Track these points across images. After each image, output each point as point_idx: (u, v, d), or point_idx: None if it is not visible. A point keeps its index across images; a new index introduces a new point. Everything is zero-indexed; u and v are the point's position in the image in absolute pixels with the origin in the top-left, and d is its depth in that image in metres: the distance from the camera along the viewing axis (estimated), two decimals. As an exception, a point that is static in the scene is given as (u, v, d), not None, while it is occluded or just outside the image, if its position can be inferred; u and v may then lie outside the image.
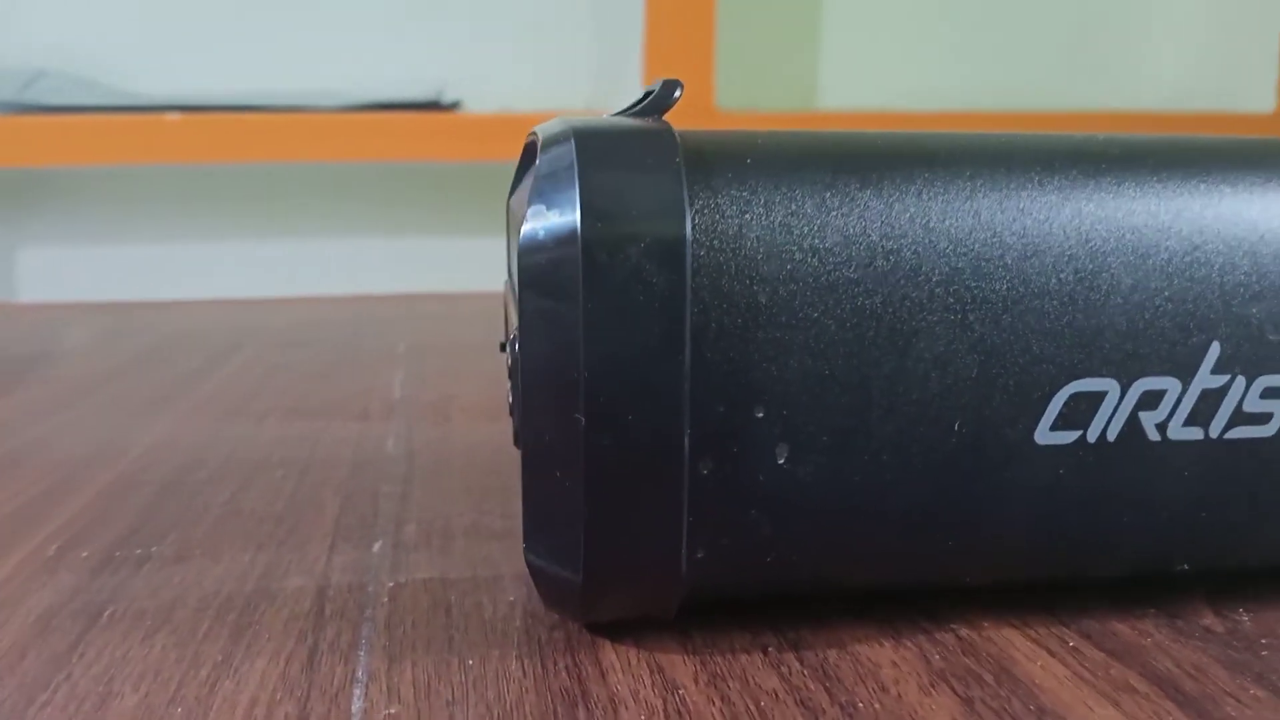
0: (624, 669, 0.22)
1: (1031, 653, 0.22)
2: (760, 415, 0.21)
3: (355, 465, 0.34)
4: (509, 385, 0.28)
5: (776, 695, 0.21)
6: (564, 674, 0.21)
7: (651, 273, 0.20)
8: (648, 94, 0.24)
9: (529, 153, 0.27)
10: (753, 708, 0.20)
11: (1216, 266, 0.22)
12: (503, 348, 0.27)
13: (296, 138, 1.16)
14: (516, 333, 0.21)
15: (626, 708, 0.20)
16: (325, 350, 0.51)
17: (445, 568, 0.26)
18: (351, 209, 1.32)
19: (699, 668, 0.22)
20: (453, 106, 1.25)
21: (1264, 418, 0.22)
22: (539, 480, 0.21)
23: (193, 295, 0.67)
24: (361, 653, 0.22)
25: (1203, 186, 0.22)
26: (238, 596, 0.25)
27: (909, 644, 0.23)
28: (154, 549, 0.28)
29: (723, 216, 0.20)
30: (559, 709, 0.20)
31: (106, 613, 0.24)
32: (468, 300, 0.65)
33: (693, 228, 0.20)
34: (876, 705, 0.20)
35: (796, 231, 0.20)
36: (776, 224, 0.20)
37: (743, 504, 0.21)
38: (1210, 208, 0.22)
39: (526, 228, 0.20)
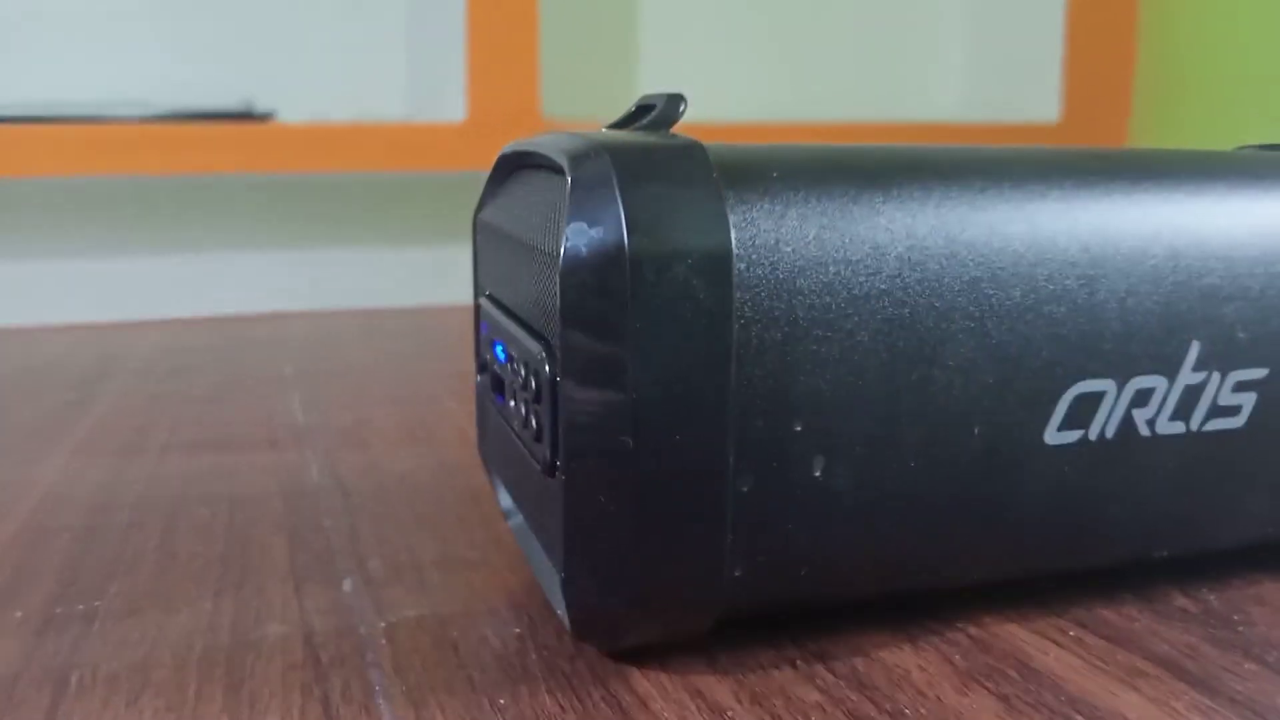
0: (663, 696, 0.21)
1: (1040, 645, 0.23)
2: (799, 429, 0.21)
3: (286, 498, 0.32)
4: (482, 408, 0.27)
5: (823, 708, 0.21)
6: (604, 706, 0.21)
7: (698, 289, 0.19)
8: (641, 108, 0.24)
9: (503, 167, 0.26)
10: (812, 723, 0.20)
11: (1195, 271, 0.23)
12: (483, 369, 0.26)
13: (100, 150, 1.08)
14: (548, 354, 0.20)
15: (683, 735, 0.20)
16: (203, 376, 0.47)
17: (432, 603, 0.25)
18: (175, 225, 1.24)
19: (736, 688, 0.21)
20: (266, 117, 1.20)
21: (1235, 410, 0.24)
22: (582, 507, 0.20)
23: (26, 321, 0.61)
24: (381, 701, 0.21)
25: (1178, 196, 0.23)
26: (216, 650, 0.23)
27: (925, 646, 0.23)
28: (97, 603, 0.25)
29: (760, 231, 0.20)
30: (613, 743, 0.20)
31: (73, 678, 0.22)
32: (334, 319, 0.63)
33: (735, 242, 0.20)
34: (922, 710, 0.21)
35: (830, 244, 0.21)
36: (811, 237, 0.20)
37: (780, 519, 0.21)
38: (1187, 215, 0.23)
39: (569, 245, 0.19)
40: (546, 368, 0.20)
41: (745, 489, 0.21)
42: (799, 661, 0.22)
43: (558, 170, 0.21)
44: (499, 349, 0.25)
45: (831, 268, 0.21)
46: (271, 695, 0.21)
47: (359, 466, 0.35)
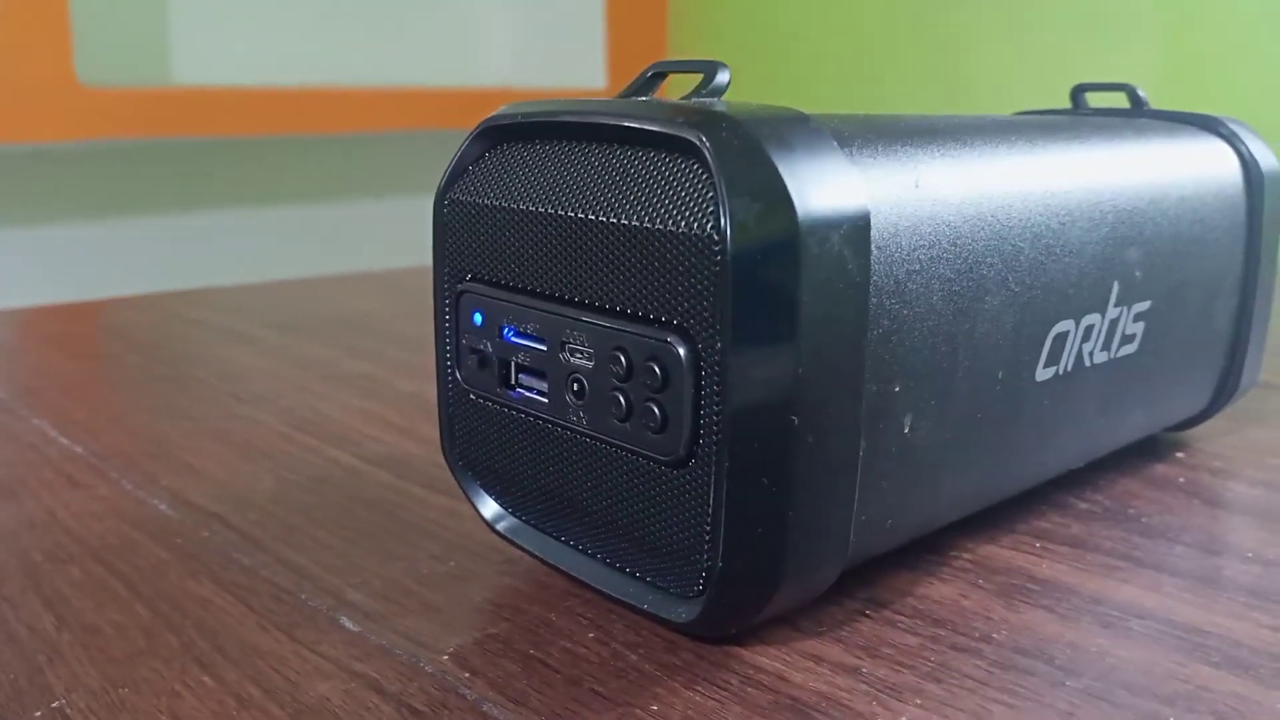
0: (793, 666, 0.21)
1: (1026, 560, 0.26)
2: (897, 390, 0.22)
3: (159, 540, 0.27)
4: (461, 407, 0.24)
5: (929, 647, 0.22)
6: (752, 689, 0.20)
7: (848, 259, 0.19)
8: (656, 75, 0.23)
9: (487, 139, 0.24)
10: (931, 662, 0.21)
11: (1115, 221, 0.27)
12: (483, 363, 0.24)
13: None
14: (683, 339, 0.19)
15: (851, 695, 0.20)
16: None
17: (466, 625, 0.23)
18: None
19: (842, 646, 0.22)
20: None
21: (1133, 338, 0.28)
22: (743, 490, 0.19)
23: None
24: (534, 735, 0.19)
25: (1099, 155, 0.27)
26: (281, 724, 0.19)
27: (948, 577, 0.25)
28: (57, 704, 0.20)
29: (869, 198, 0.21)
30: (795, 721, 0.19)
31: (142, 798, 0.17)
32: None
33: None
34: (1003, 631, 0.23)
35: (910, 208, 0.21)
36: (898, 201, 0.21)
37: (878, 477, 0.22)
38: (1110, 172, 0.27)
39: (737, 222, 0.18)
40: (681, 352, 0.19)
41: (861, 452, 0.21)
42: (867, 611, 0.24)
43: (657, 143, 0.20)
44: (526, 339, 0.23)
45: (915, 232, 0.21)
46: (405, 758, 0.18)
47: (209, 492, 0.30)
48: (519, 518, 0.25)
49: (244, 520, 0.28)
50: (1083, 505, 0.30)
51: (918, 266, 0.21)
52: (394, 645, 0.22)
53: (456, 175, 0.24)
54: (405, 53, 1.61)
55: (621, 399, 0.21)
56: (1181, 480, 0.32)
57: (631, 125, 0.20)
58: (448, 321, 0.25)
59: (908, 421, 0.22)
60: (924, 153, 0.22)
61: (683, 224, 0.19)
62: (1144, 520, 0.29)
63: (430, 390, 0.40)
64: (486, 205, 0.23)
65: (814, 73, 1.42)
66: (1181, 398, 0.32)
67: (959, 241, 0.22)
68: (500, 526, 0.25)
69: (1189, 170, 0.30)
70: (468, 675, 0.21)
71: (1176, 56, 1.07)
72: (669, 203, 0.19)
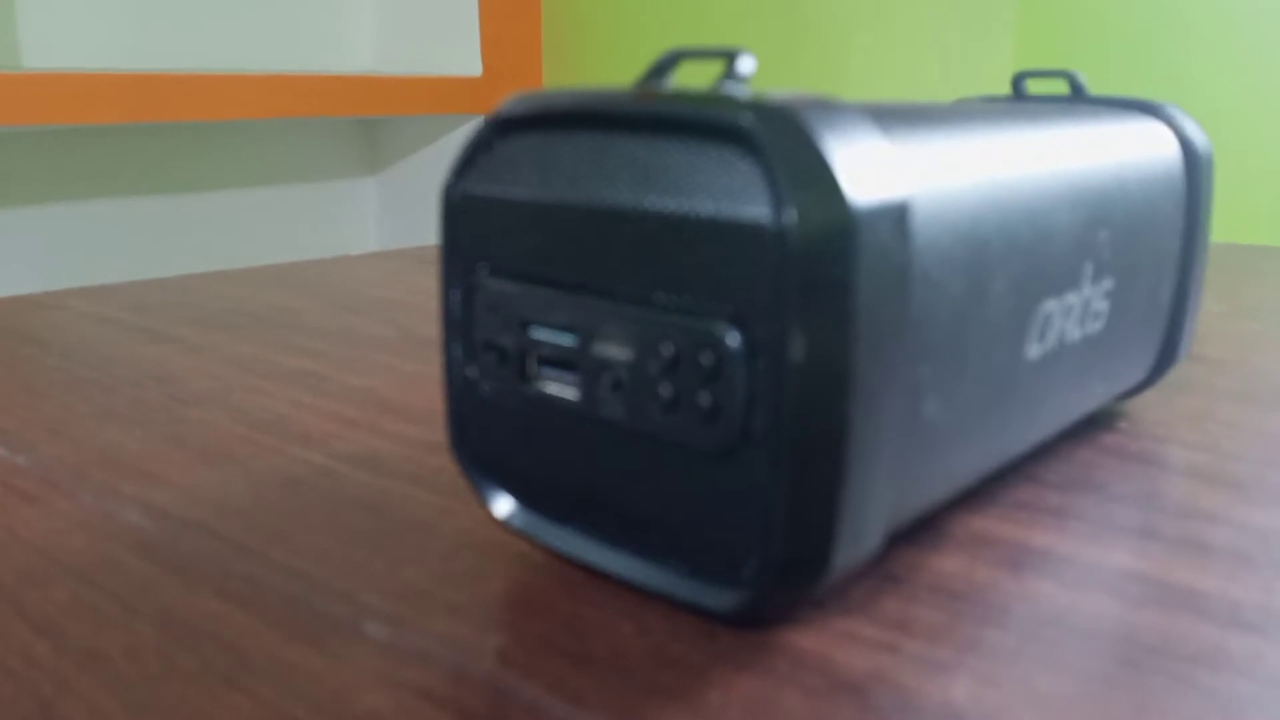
0: (833, 648, 0.21)
1: (1018, 531, 0.27)
2: (924, 372, 0.22)
3: (146, 555, 0.25)
4: (470, 403, 0.24)
5: (954, 621, 0.23)
6: (802, 672, 0.21)
7: (894, 246, 0.20)
8: (668, 61, 0.23)
9: (498, 132, 0.23)
10: (965, 637, 0.22)
11: (1089, 202, 0.28)
12: (502, 358, 0.23)
13: None
14: (738, 326, 0.19)
15: (899, 672, 0.20)
16: None
17: (499, 624, 0.22)
18: None
19: (875, 624, 0.22)
20: None
21: (1100, 315, 0.30)
22: (797, 478, 0.19)
23: None
24: (606, 733, 0.19)
25: (1071, 137, 0.28)
26: (340, 740, 0.18)
27: (947, 552, 0.26)
28: (88, 735, 0.18)
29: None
30: (852, 701, 0.20)
31: (218, 828, 0.16)
32: None
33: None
34: (1020, 602, 0.23)
35: (933, 193, 0.22)
36: (923, 186, 0.22)
37: (905, 459, 0.22)
38: (1081, 155, 0.28)
39: (797, 208, 0.18)
40: (734, 341, 0.19)
41: (898, 435, 0.21)
42: (886, 588, 0.24)
43: (699, 130, 0.20)
44: (553, 331, 0.22)
45: (941, 217, 0.22)
46: (481, 766, 0.18)
47: (180, 500, 0.28)
48: (537, 513, 0.24)
49: (228, 528, 0.27)
50: (1051, 476, 0.31)
51: (943, 252, 0.22)
52: (431, 650, 0.21)
53: (467, 166, 0.23)
54: (268, 38, 1.56)
55: (666, 390, 0.21)
56: (1133, 449, 0.33)
57: (672, 113, 0.20)
58: (459, 315, 0.24)
59: (930, 403, 0.22)
60: (939, 137, 0.23)
61: (736, 211, 0.19)
62: (1113, 488, 0.30)
63: (383, 385, 0.39)
64: (504, 197, 0.23)
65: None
66: (1130, 370, 0.33)
67: (975, 227, 0.23)
68: (517, 523, 0.25)
69: (1141, 152, 0.31)
70: (519, 676, 0.20)
71: (1030, 47, 1.12)
72: (719, 190, 0.19)
